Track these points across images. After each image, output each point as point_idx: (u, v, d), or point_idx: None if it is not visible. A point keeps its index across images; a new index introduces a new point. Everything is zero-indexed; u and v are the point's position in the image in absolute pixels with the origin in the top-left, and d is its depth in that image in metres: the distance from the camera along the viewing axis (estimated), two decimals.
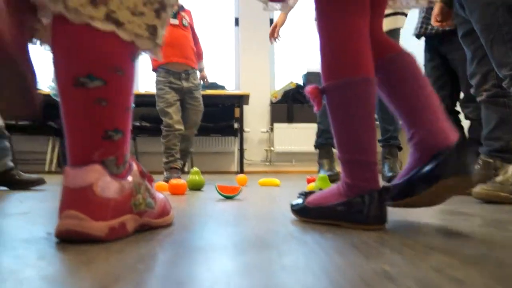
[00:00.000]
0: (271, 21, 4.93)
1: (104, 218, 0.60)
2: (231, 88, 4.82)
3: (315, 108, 0.81)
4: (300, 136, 4.56)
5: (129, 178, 0.67)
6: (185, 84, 2.58)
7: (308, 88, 0.81)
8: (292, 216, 0.92)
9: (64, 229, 0.60)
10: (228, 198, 1.40)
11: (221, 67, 4.94)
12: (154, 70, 2.62)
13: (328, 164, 2.40)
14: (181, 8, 2.63)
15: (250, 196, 1.49)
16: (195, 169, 1.89)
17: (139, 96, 2.99)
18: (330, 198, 0.81)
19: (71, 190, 0.60)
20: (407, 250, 0.57)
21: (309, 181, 2.00)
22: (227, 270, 0.47)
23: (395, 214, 0.95)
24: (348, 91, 0.76)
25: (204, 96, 4.24)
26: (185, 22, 2.61)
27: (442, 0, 1.69)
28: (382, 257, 0.53)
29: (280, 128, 4.62)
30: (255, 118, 4.81)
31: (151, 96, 2.68)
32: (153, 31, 0.67)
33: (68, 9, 0.58)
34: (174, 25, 2.54)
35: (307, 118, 4.50)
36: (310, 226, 0.79)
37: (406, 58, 0.86)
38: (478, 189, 1.30)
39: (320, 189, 0.91)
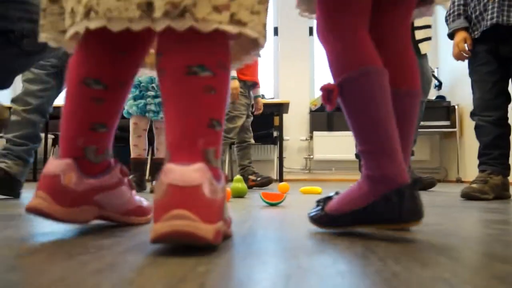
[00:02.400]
0: (310, 29, 4.94)
1: (64, 204, 0.70)
2: (270, 97, 4.85)
3: (328, 107, 0.80)
4: (340, 144, 4.52)
5: (104, 177, 0.77)
6: (251, 100, 2.93)
7: (324, 85, 0.80)
8: None
9: (31, 206, 0.66)
10: (272, 205, 1.42)
11: (261, 76, 4.99)
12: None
13: None
14: None
15: (294, 203, 1.50)
16: (238, 176, 1.92)
17: None
18: (355, 201, 0.75)
19: (180, 188, 0.56)
20: (465, 259, 0.56)
21: None
22: (283, 273, 0.48)
23: (440, 224, 0.92)
24: (365, 79, 0.76)
25: None
26: None
27: (463, 28, 1.81)
28: (440, 265, 0.52)
29: (320, 136, 4.59)
30: (294, 126, 4.81)
31: None
32: (265, 28, 0.70)
33: (198, 21, 0.61)
34: None
35: (347, 126, 4.42)
36: (357, 232, 0.79)
37: (411, 100, 0.86)
38: None
39: None
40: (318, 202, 0.85)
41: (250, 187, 2.70)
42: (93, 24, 0.64)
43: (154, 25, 0.62)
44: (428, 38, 2.49)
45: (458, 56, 1.96)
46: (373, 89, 0.75)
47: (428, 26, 2.48)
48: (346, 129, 4.44)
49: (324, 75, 4.99)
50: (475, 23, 1.92)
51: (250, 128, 2.96)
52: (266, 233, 0.80)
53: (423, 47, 2.46)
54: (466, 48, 1.94)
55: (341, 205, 0.78)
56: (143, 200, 0.93)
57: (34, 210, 0.72)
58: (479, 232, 0.84)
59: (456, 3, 1.98)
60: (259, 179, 2.73)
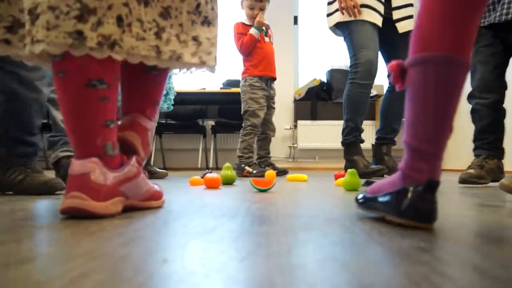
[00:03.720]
0: (295, 18, 4.99)
1: (98, 199, 0.77)
2: None
3: (397, 86, 0.74)
4: (324, 133, 4.62)
5: (125, 169, 0.84)
6: (271, 91, 3.00)
7: (392, 63, 0.74)
8: (327, 203, 1.00)
9: (68, 206, 0.76)
10: (262, 191, 1.50)
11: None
12: (248, 76, 2.93)
13: (361, 160, 2.47)
14: (268, 27, 3.05)
15: (282, 189, 1.58)
16: (228, 164, 1.99)
17: None
18: (384, 187, 0.76)
19: (74, 176, 0.77)
20: (439, 232, 0.65)
21: (337, 177, 2.07)
22: (285, 243, 0.56)
23: None
24: (423, 69, 0.69)
25: (229, 94, 4.34)
26: (272, 40, 3.05)
27: None
28: (417, 236, 0.61)
29: (304, 125, 4.68)
30: (278, 115, 4.87)
31: (178, 93, 2.81)
32: (215, 59, 0.96)
33: (185, 65, 0.91)
34: (267, 42, 2.97)
35: (331, 115, 4.55)
36: (346, 211, 0.88)
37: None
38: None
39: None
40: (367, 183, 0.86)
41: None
42: (134, 59, 0.82)
43: (160, 63, 0.85)
44: (410, 17, 2.46)
45: None
46: (427, 82, 0.68)
47: (410, 5, 2.47)
48: (330, 118, 4.55)
49: (309, 64, 5.07)
50: (485, 11, 1.89)
51: (272, 121, 3.04)
52: (263, 213, 0.88)
53: (401, 26, 2.44)
54: None
55: (375, 188, 0.80)
56: (155, 185, 1.00)
57: (71, 210, 0.76)
58: (455, 212, 0.93)
59: None
60: (254, 171, 2.76)
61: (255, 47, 2.91)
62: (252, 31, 2.85)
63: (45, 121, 1.68)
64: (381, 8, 2.42)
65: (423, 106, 0.69)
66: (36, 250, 0.53)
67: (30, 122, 1.41)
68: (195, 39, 0.90)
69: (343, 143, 2.56)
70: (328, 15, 2.57)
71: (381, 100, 2.67)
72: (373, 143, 2.69)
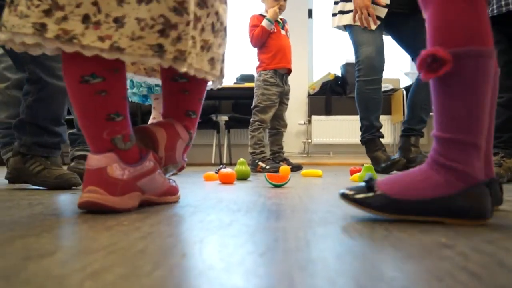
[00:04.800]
0: (310, 11, 4.95)
1: (115, 194, 0.77)
2: None
3: (424, 75, 0.69)
4: (338, 128, 4.58)
5: (141, 164, 0.83)
6: (286, 87, 2.99)
7: (435, 50, 0.67)
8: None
9: (85, 201, 0.76)
10: (277, 186, 1.49)
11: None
12: (263, 70, 2.93)
13: (383, 154, 2.44)
14: (285, 21, 3.07)
15: (297, 185, 1.58)
16: (242, 159, 1.99)
17: None
18: (424, 189, 0.68)
19: (91, 171, 0.78)
20: (460, 227, 0.64)
21: (352, 172, 2.05)
22: (304, 238, 0.55)
23: None
24: (475, 62, 0.67)
25: (242, 89, 4.33)
26: (288, 34, 3.07)
27: None
28: (438, 232, 0.60)
29: (318, 120, 4.65)
30: (292, 110, 4.85)
31: None
32: (158, 49, 0.78)
33: (84, 47, 0.74)
34: (283, 35, 2.98)
35: (346, 110, 4.51)
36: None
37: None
38: None
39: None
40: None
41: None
42: (17, 38, 0.75)
43: (45, 43, 0.74)
44: None
45: None
46: (479, 75, 0.67)
47: None
48: (345, 113, 4.51)
49: (323, 58, 5.02)
50: (490, 1, 1.80)
51: (284, 116, 3.02)
52: (279, 208, 0.87)
53: None
54: None
55: (406, 190, 0.70)
56: (171, 180, 1.00)
57: (89, 205, 0.76)
58: None
59: None
60: (268, 167, 2.76)
61: (270, 39, 2.89)
62: (264, 23, 2.83)
63: (71, 117, 1.72)
64: (382, 13, 2.37)
65: (478, 102, 0.68)
66: (55, 244, 0.54)
67: (58, 110, 1.46)
68: (117, 20, 0.75)
69: (361, 141, 2.56)
70: (333, 15, 2.62)
71: (410, 91, 2.62)
72: (401, 134, 2.66)
